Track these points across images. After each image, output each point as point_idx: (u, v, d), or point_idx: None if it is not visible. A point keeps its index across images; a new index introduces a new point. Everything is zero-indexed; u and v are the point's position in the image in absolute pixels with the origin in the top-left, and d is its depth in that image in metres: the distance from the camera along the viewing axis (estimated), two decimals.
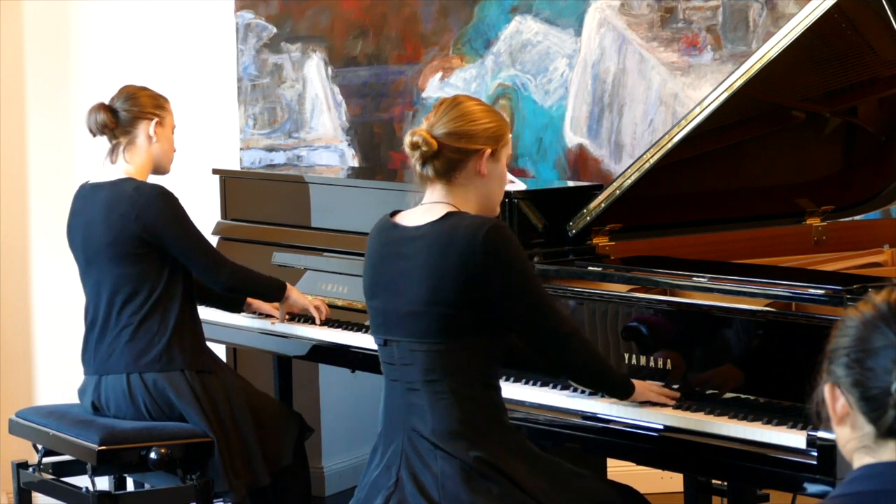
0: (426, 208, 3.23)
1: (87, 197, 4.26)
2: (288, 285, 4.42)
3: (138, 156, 4.24)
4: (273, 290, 4.40)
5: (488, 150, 3.22)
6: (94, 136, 4.27)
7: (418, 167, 3.22)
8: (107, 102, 4.25)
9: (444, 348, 3.13)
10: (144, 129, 4.23)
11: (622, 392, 3.40)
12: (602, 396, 3.50)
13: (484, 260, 3.10)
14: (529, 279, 3.18)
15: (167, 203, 4.15)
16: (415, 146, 3.19)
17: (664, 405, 3.39)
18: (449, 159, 3.20)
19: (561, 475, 3.19)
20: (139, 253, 4.15)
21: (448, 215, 3.18)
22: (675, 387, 3.43)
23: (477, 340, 3.15)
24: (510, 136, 3.32)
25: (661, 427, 3.37)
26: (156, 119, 4.24)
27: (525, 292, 3.16)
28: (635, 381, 3.40)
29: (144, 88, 4.29)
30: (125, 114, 4.22)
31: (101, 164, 4.29)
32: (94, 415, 4.27)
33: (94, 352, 4.24)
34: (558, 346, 3.24)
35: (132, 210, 4.13)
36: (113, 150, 4.25)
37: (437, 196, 3.23)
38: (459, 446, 3.09)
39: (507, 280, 3.13)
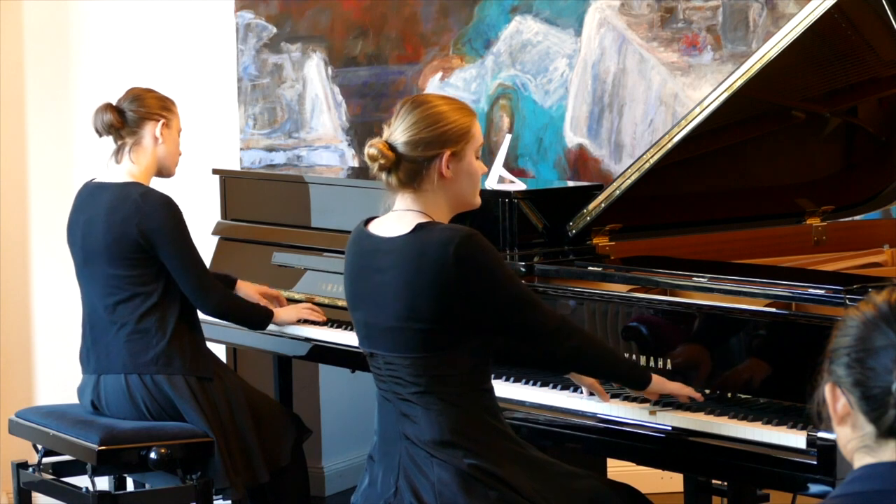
0: (398, 216, 3.15)
1: (91, 195, 4.26)
2: (275, 311, 4.40)
3: (144, 157, 4.24)
4: (260, 318, 4.38)
5: (448, 153, 3.12)
6: (101, 136, 4.27)
7: (382, 177, 3.15)
8: (114, 103, 4.26)
9: (425, 361, 3.08)
10: (151, 131, 4.24)
11: (636, 378, 3.33)
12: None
13: (458, 273, 3.03)
14: (509, 282, 3.11)
15: (171, 214, 4.15)
16: (373, 158, 3.11)
17: (682, 404, 3.39)
18: (409, 168, 3.11)
19: (559, 477, 3.17)
20: (136, 258, 4.15)
21: (418, 227, 3.09)
22: None
23: (460, 350, 3.09)
24: (477, 126, 3.19)
25: (662, 427, 3.37)
26: (162, 121, 4.24)
27: (508, 296, 3.09)
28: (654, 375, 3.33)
29: (151, 90, 4.30)
30: (132, 114, 4.23)
31: (105, 163, 4.29)
32: (93, 414, 4.28)
33: (93, 351, 4.25)
34: (550, 339, 3.18)
35: (135, 215, 4.13)
36: (118, 151, 4.25)
37: (407, 203, 3.15)
38: (453, 455, 3.07)
39: (488, 288, 3.07)
